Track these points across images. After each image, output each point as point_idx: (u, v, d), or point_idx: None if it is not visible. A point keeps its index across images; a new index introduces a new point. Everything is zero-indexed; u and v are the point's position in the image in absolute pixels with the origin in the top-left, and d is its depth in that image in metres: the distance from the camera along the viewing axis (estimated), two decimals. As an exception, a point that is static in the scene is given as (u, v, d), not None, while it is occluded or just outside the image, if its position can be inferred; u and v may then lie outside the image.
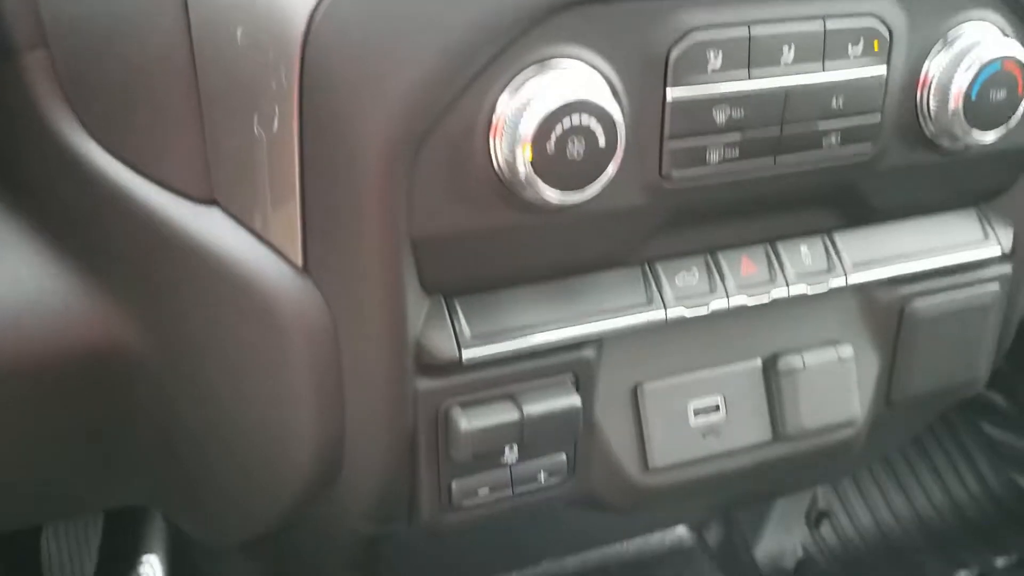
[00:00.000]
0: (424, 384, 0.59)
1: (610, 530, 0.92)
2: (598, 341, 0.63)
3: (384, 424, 0.59)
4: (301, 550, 0.78)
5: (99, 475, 0.70)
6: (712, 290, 0.65)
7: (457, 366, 0.58)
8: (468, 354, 0.58)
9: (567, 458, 0.64)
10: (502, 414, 0.60)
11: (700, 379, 0.67)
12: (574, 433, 0.62)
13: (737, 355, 0.69)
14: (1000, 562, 1.46)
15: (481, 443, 0.59)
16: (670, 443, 0.67)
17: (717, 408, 0.68)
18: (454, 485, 0.62)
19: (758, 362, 0.69)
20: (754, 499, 0.97)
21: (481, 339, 0.59)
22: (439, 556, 0.78)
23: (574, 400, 0.61)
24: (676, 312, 0.64)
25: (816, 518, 1.53)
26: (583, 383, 0.63)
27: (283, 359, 0.58)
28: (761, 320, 0.68)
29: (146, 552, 1.32)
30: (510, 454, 0.62)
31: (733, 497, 0.80)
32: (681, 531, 1.19)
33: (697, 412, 0.67)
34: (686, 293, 0.64)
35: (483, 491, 0.62)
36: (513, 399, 0.60)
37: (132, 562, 1.31)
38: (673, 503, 0.72)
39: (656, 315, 0.63)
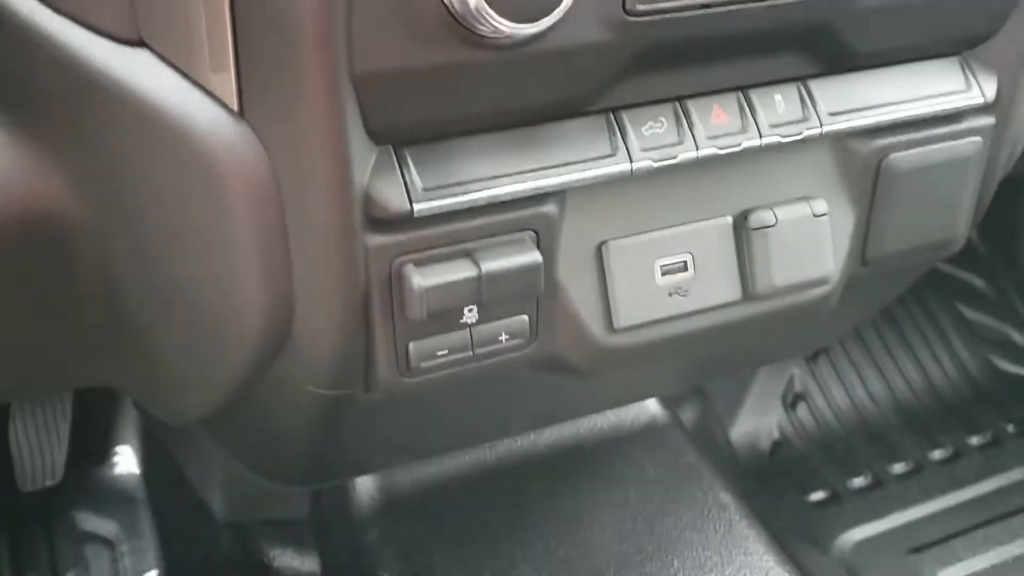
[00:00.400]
0: (374, 240, 0.56)
1: (580, 401, 0.85)
2: (560, 196, 0.60)
3: (334, 282, 0.56)
4: (262, 424, 0.73)
5: (52, 353, 0.68)
6: (681, 140, 0.61)
7: (409, 220, 0.55)
8: (420, 207, 0.55)
9: (529, 319, 0.61)
10: (459, 271, 0.57)
11: (668, 236, 0.64)
12: (536, 292, 0.59)
13: (706, 211, 0.65)
14: (974, 441, 1.46)
15: (437, 301, 0.56)
16: (636, 303, 0.64)
17: (685, 266, 0.65)
18: (411, 347, 0.59)
19: (728, 219, 0.66)
20: (726, 367, 0.95)
21: (434, 191, 0.56)
22: (404, 426, 0.74)
23: (535, 257, 0.58)
24: (643, 164, 0.61)
25: (792, 400, 1.53)
26: (544, 240, 0.60)
27: (222, 212, 0.55)
28: (732, 175, 0.65)
29: (118, 444, 1.32)
30: (469, 315, 0.59)
31: (703, 361, 0.78)
32: (655, 409, 1.17)
33: (664, 270, 0.64)
34: (653, 143, 0.61)
35: (442, 353, 0.59)
36: (470, 256, 0.57)
37: (105, 454, 1.31)
38: (639, 365, 0.70)
39: (621, 167, 0.60)
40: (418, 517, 0.97)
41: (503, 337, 0.61)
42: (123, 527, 1.23)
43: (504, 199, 0.57)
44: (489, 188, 0.57)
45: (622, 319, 0.64)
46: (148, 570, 1.17)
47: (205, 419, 0.72)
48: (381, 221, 0.55)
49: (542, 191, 0.58)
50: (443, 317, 0.58)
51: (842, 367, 1.59)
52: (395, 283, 0.57)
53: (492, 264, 0.57)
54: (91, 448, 1.29)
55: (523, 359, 0.63)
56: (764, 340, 0.79)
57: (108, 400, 1.35)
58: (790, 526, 1.33)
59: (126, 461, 1.29)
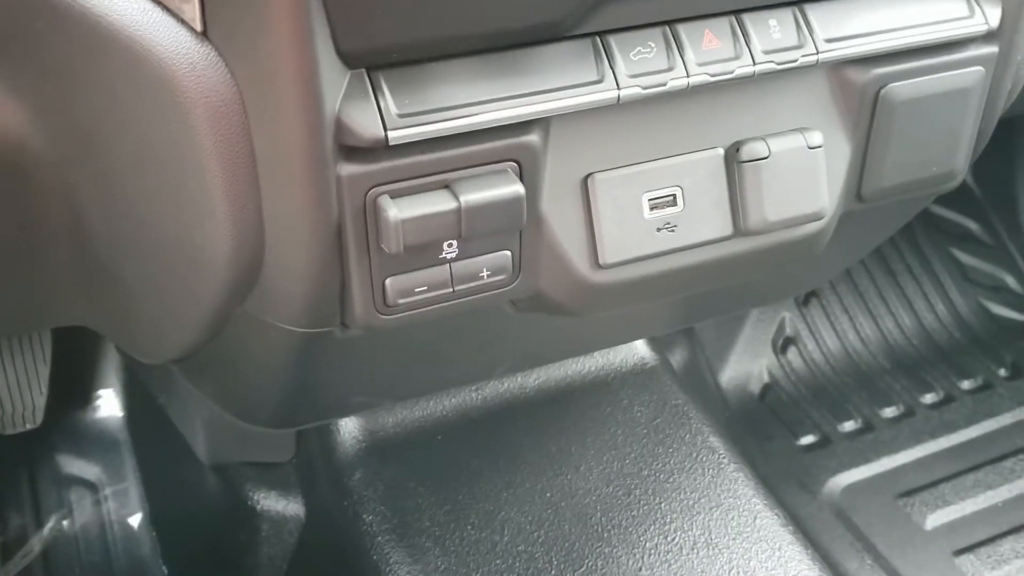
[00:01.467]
0: (347, 169, 0.53)
1: (566, 341, 0.82)
2: (544, 125, 0.57)
3: (306, 214, 0.54)
4: (238, 364, 0.71)
5: (20, 290, 0.66)
6: (671, 66, 0.58)
7: (383, 149, 0.53)
8: (395, 135, 0.53)
9: (512, 254, 0.59)
10: (437, 203, 0.54)
11: (656, 169, 0.61)
12: (518, 226, 0.57)
13: (697, 142, 0.62)
14: (965, 385, 1.45)
15: (414, 235, 0.54)
16: (623, 238, 0.61)
17: (674, 200, 0.62)
18: (388, 283, 0.57)
19: (719, 151, 0.63)
20: (716, 307, 0.92)
21: (410, 118, 0.53)
22: (383, 366, 0.72)
23: (517, 189, 0.56)
24: (630, 91, 0.58)
25: (783, 344, 1.52)
26: (527, 172, 0.57)
27: (186, 139, 0.52)
28: (723, 104, 0.63)
29: (101, 387, 1.32)
30: (448, 250, 0.57)
31: (692, 301, 0.75)
32: (644, 351, 1.14)
33: (652, 205, 0.62)
34: (642, 69, 0.58)
35: (420, 289, 0.57)
36: (449, 188, 0.55)
37: (87, 397, 1.31)
38: (626, 303, 0.67)
39: (608, 94, 0.57)
40: (403, 460, 0.96)
41: (484, 273, 0.59)
42: (106, 470, 1.23)
43: (485, 127, 0.54)
44: (469, 115, 0.54)
45: (608, 255, 0.62)
46: (132, 513, 1.17)
47: (181, 358, 0.70)
48: (354, 150, 0.52)
49: (524, 119, 0.55)
50: (421, 252, 0.56)
51: (833, 311, 1.57)
52: (370, 215, 0.54)
53: (472, 196, 0.55)
54: (73, 391, 1.29)
55: (505, 296, 0.61)
56: (755, 278, 0.77)
57: (90, 342, 1.33)
58: (779, 470, 1.33)
59: (108, 404, 1.29)
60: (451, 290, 0.58)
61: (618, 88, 0.57)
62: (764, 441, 1.41)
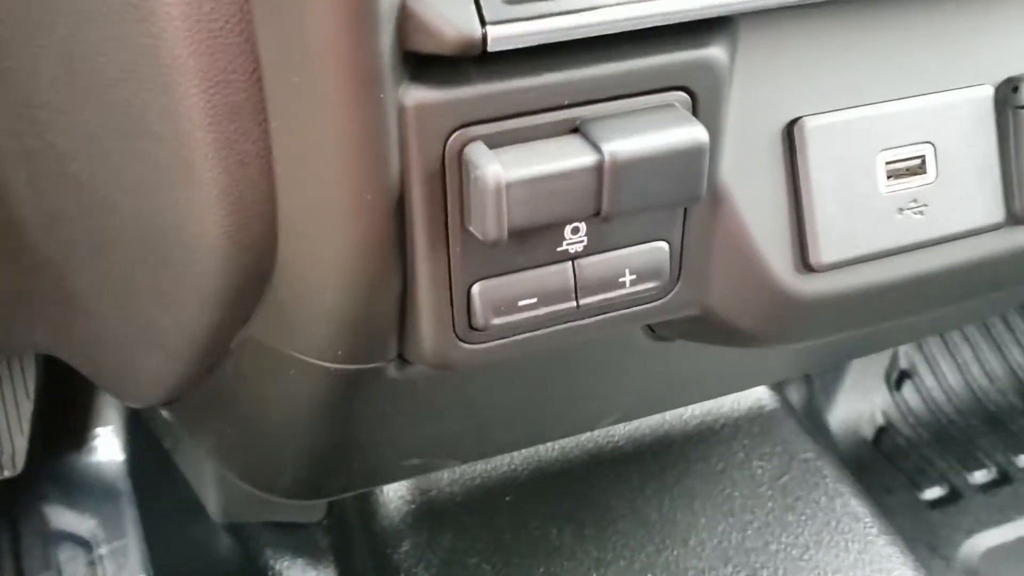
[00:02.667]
0: (417, 95, 0.36)
1: (710, 381, 0.69)
2: (730, 33, 0.41)
3: (344, 174, 0.37)
4: (249, 414, 0.57)
5: None
6: None
7: (478, 60, 0.36)
8: (500, 32, 0.35)
9: (670, 247, 0.42)
10: (564, 156, 0.37)
11: (896, 114, 0.44)
12: (692, 197, 0.40)
13: (956, 76, 0.46)
14: (1111, 425, 1.27)
15: (526, 210, 0.37)
16: (848, 223, 0.44)
17: (922, 165, 0.45)
18: (477, 292, 0.40)
19: (988, 90, 0.46)
20: (952, 323, 0.73)
21: (524, 5, 0.35)
22: (458, 419, 0.57)
23: (695, 133, 0.38)
24: None
25: (897, 379, 1.33)
26: (704, 110, 0.40)
27: (157, 59, 0.36)
28: (997, 19, 0.46)
29: (97, 425, 1.17)
30: (573, 238, 0.40)
31: (926, 317, 0.54)
32: (759, 390, 1.01)
33: (892, 171, 0.44)
34: None
35: (527, 303, 0.40)
36: (582, 132, 0.38)
37: (81, 438, 1.16)
38: (845, 326, 0.47)
39: None
40: (462, 527, 0.85)
41: (627, 277, 0.42)
42: (103, 525, 1.11)
43: (642, 27, 0.38)
44: (617, 4, 0.37)
45: (825, 251, 0.44)
46: (132, 576, 1.03)
47: (172, 402, 0.58)
48: (428, 62, 0.36)
49: (704, 14, 0.39)
50: (531, 241, 0.40)
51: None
52: (452, 175, 0.38)
53: (621, 144, 0.37)
54: (63, 430, 1.15)
55: (654, 316, 0.44)
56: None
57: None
58: (903, 530, 1.11)
59: (107, 446, 1.16)
60: (574, 304, 0.41)
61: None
62: (882, 495, 1.23)
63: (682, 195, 0.39)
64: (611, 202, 0.37)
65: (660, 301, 0.43)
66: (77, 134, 0.42)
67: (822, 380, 1.35)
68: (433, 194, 0.37)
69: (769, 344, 0.46)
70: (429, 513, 0.85)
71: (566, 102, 0.38)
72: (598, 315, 0.42)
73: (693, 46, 0.39)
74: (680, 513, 0.87)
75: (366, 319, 0.40)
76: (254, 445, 0.61)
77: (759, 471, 0.90)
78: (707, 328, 0.46)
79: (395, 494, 0.86)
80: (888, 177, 0.45)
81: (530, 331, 0.42)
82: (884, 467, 1.24)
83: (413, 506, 0.86)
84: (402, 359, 0.43)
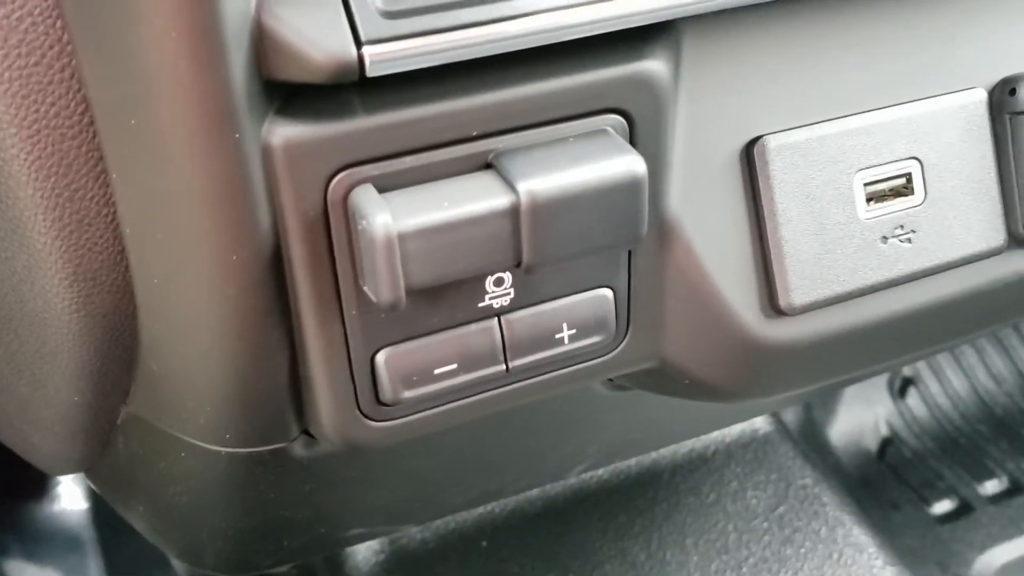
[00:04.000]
0: (285, 133, 0.29)
1: (686, 423, 0.63)
2: (672, 40, 0.34)
3: (201, 236, 0.30)
4: (157, 489, 0.49)
5: None
6: None
7: (359, 85, 0.30)
8: (379, 52, 0.28)
9: (615, 295, 0.36)
10: (471, 198, 0.31)
11: (874, 127, 0.38)
12: (632, 239, 0.33)
13: (943, 80, 0.39)
14: None
15: (427, 266, 0.30)
16: (823, 258, 0.37)
17: (908, 184, 0.38)
18: (381, 361, 0.33)
19: (980, 94, 0.40)
20: (938, 350, 0.68)
21: (408, 18, 0.29)
22: (392, 488, 0.50)
23: (630, 164, 0.32)
24: None
25: (901, 386, 1.28)
26: (643, 134, 0.34)
27: None
28: (988, 13, 0.39)
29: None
30: (496, 291, 0.33)
31: (914, 352, 0.47)
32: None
33: (872, 193, 0.38)
34: None
35: (445, 370, 0.34)
36: (496, 168, 0.31)
37: (42, 486, 1.12)
38: (824, 375, 0.40)
39: None
40: (436, 574, 0.80)
41: (564, 333, 0.35)
42: None
43: (560, 39, 0.31)
44: (527, 12, 0.30)
45: (795, 291, 0.37)
46: (98, 631, 1.00)
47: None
48: (300, 91, 0.30)
49: (636, 22, 0.32)
50: (445, 297, 0.33)
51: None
52: (337, 226, 0.31)
53: (542, 182, 0.31)
54: (25, 479, 1.08)
55: (600, 373, 0.38)
56: None
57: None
58: (911, 548, 1.09)
59: (69, 494, 1.10)
60: (503, 367, 0.35)
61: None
62: (888, 511, 1.17)
63: (620, 237, 0.32)
64: (533, 252, 0.31)
65: (607, 356, 0.37)
66: None
67: (819, 391, 1.31)
68: (316, 249, 0.31)
69: (737, 399, 0.39)
70: (401, 563, 0.81)
71: (474, 133, 0.31)
72: (533, 377, 0.36)
73: (626, 59, 0.33)
74: (670, 552, 0.82)
75: (252, 397, 0.34)
76: (170, 523, 0.55)
77: (754, 501, 0.86)
78: (667, 381, 0.40)
79: (363, 544, 0.81)
80: (868, 200, 0.38)
81: (452, 401, 0.35)
82: (890, 481, 1.19)
83: (383, 556, 0.81)
84: (308, 435, 0.36)
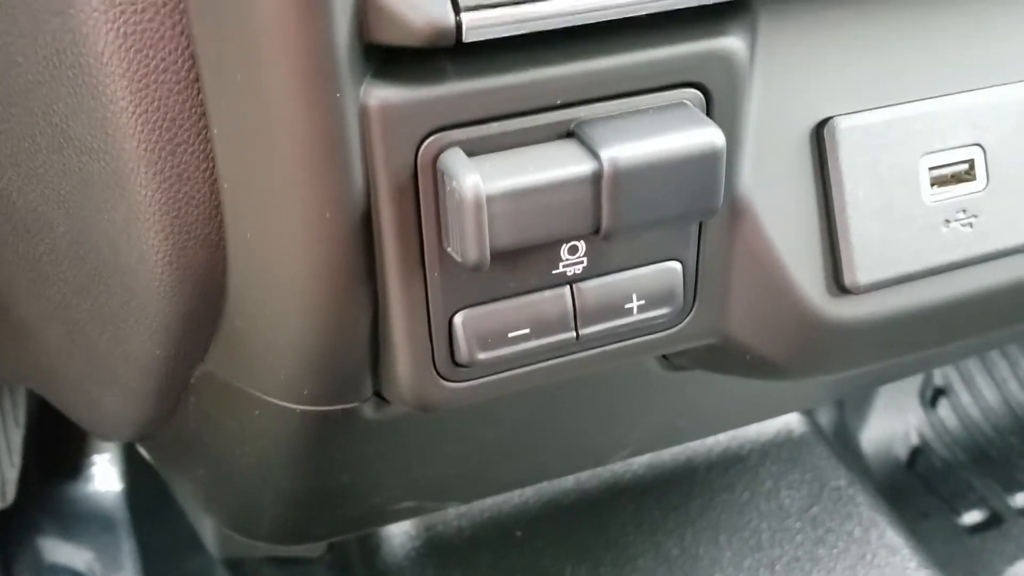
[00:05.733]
0: (382, 94, 0.31)
1: (732, 412, 0.63)
2: (749, 21, 0.35)
3: (298, 187, 0.31)
4: (218, 453, 0.51)
5: None
6: None
7: (453, 51, 0.31)
8: (475, 19, 0.30)
9: (684, 268, 0.37)
10: (556, 164, 0.32)
11: (940, 113, 0.39)
12: (706, 211, 0.34)
13: (1009, 69, 0.40)
14: None
15: (513, 227, 0.31)
16: (888, 238, 0.38)
17: (970, 170, 0.39)
18: (460, 322, 0.35)
19: None
20: (992, 344, 0.69)
21: None
22: (451, 458, 0.51)
23: (709, 136, 0.33)
24: None
25: (932, 396, 1.27)
26: (721, 109, 0.35)
27: (73, 56, 0.31)
28: None
29: (93, 453, 1.13)
30: (571, 259, 0.34)
31: (968, 340, 0.48)
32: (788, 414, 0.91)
33: (936, 177, 0.38)
34: None
35: (518, 334, 0.35)
36: (577, 135, 0.32)
37: (77, 467, 1.13)
38: (885, 353, 0.41)
39: None
40: (470, 565, 0.80)
41: (634, 303, 0.36)
42: (99, 557, 1.07)
43: (644, 13, 0.32)
44: None
45: (860, 270, 0.38)
46: (131, 610, 1.01)
47: (139, 438, 0.53)
48: (395, 55, 0.31)
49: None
50: (521, 263, 0.34)
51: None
52: (425, 188, 0.32)
53: (625, 150, 0.32)
54: (58, 459, 1.10)
55: (665, 347, 0.39)
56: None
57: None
58: (941, 557, 1.07)
59: (103, 475, 1.11)
60: (574, 335, 0.36)
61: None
62: (918, 520, 1.17)
63: (696, 208, 0.33)
64: (612, 218, 0.32)
65: (673, 329, 0.38)
66: (2, 147, 0.37)
67: (853, 399, 1.31)
68: (404, 210, 0.32)
69: (799, 376, 0.40)
70: (435, 550, 0.81)
71: (558, 102, 0.32)
72: (601, 346, 0.37)
73: (706, 35, 0.34)
74: (703, 548, 0.82)
75: (333, 355, 0.35)
76: (229, 489, 0.56)
77: (787, 501, 0.85)
78: (728, 358, 0.41)
79: (399, 529, 0.82)
80: (932, 185, 0.39)
81: (523, 366, 0.36)
82: (920, 490, 1.18)
83: (418, 542, 0.82)
84: (380, 397, 0.38)
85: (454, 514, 0.83)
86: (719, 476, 0.87)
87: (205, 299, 0.36)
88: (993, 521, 1.11)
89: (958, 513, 1.13)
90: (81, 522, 1.06)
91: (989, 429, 1.33)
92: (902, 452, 1.25)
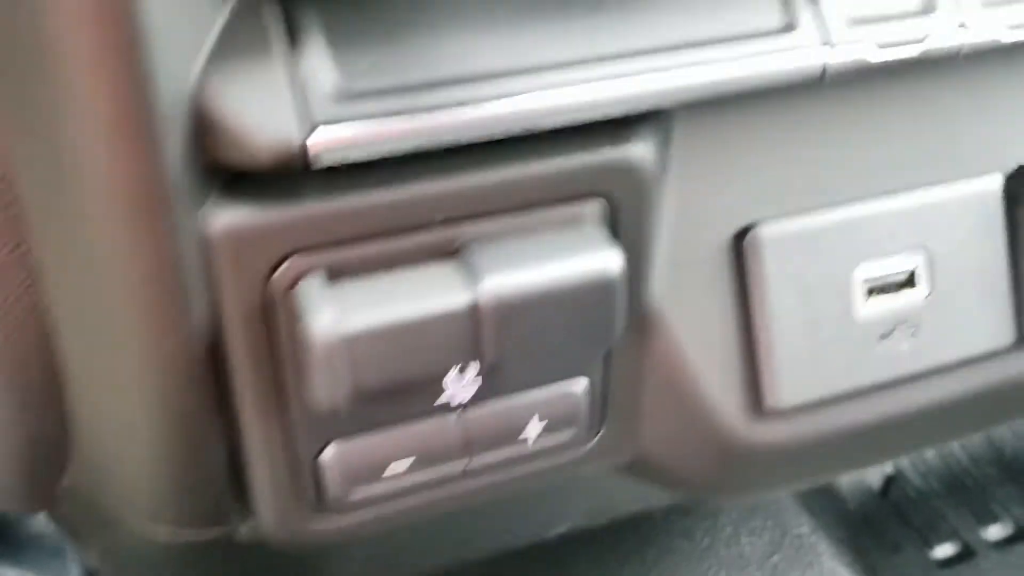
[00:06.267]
0: (227, 218, 0.27)
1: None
2: (662, 126, 0.31)
3: (130, 325, 0.27)
4: (101, 560, 0.49)
5: None
6: (927, 8, 0.32)
7: (304, 173, 0.27)
8: (326, 142, 0.26)
9: (589, 385, 0.33)
10: (428, 294, 0.28)
11: (878, 216, 0.35)
12: (605, 340, 0.31)
13: (955, 165, 0.36)
14: None
15: (375, 369, 0.27)
16: (816, 356, 0.35)
17: (911, 279, 0.36)
18: (328, 458, 0.30)
19: (997, 179, 0.37)
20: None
21: (367, 100, 0.26)
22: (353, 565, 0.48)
23: (605, 262, 0.29)
24: (851, 54, 0.31)
25: None
26: (626, 223, 0.31)
27: None
28: (1004, 96, 0.37)
29: None
30: (456, 383, 0.30)
31: (911, 450, 0.45)
32: None
33: (873, 286, 0.35)
34: (874, 12, 0.31)
35: (399, 468, 0.31)
36: (461, 259, 0.29)
37: None
38: (809, 476, 0.38)
39: (803, 58, 0.31)
40: None
41: (530, 428, 0.32)
42: None
43: (537, 123, 0.28)
44: (500, 95, 0.27)
45: (783, 392, 0.35)
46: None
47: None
48: (239, 176, 0.27)
49: (623, 109, 0.29)
50: (398, 393, 0.29)
51: None
52: (283, 317, 0.28)
53: (504, 278, 0.28)
54: None
55: (573, 469, 0.35)
56: None
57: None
58: None
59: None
60: (462, 468, 0.32)
61: (827, 44, 0.31)
62: (889, 553, 1.15)
63: (590, 340, 0.30)
64: (495, 352, 0.28)
65: (578, 452, 0.34)
66: None
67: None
68: (256, 342, 0.28)
69: (717, 497, 0.37)
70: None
71: (439, 219, 0.28)
72: (496, 474, 0.33)
73: (610, 143, 0.30)
74: (656, 603, 0.79)
75: (186, 488, 0.31)
76: None
77: (748, 548, 0.84)
78: (647, 473, 0.37)
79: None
80: (869, 293, 0.36)
81: (407, 496, 0.32)
82: (892, 521, 1.16)
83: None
84: (237, 530, 0.34)
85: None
86: (678, 521, 0.85)
87: (47, 421, 0.32)
88: (965, 555, 1.09)
89: (930, 545, 1.10)
90: (31, 547, 1.06)
91: (964, 458, 1.31)
92: (875, 480, 1.25)
